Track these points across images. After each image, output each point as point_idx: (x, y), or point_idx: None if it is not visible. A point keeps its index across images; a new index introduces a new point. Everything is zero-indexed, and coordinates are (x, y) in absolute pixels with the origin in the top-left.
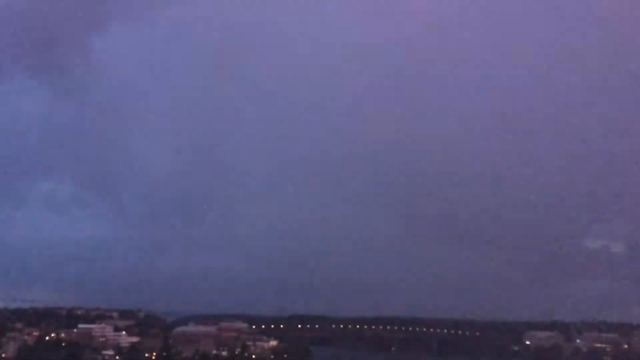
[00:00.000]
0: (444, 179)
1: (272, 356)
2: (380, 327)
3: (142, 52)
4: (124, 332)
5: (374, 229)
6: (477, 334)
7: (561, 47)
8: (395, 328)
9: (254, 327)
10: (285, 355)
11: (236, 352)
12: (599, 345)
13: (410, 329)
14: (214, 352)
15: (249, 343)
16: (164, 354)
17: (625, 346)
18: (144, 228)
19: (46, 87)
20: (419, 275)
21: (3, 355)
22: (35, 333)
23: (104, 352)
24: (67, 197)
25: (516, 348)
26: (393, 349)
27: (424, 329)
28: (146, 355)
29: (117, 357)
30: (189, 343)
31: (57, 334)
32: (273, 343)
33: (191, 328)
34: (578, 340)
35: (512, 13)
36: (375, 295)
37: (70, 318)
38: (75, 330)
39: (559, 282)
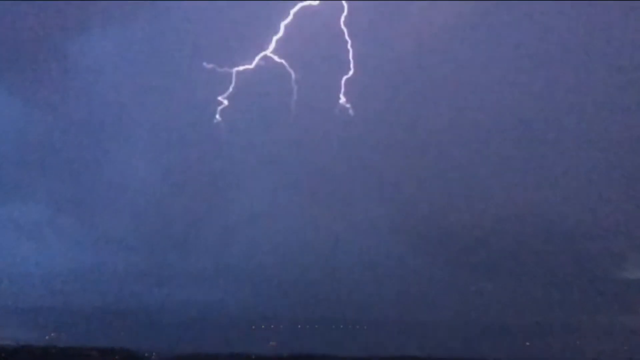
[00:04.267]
0: (458, 199)
1: None
2: None
3: (124, 60)
4: None
5: (381, 256)
6: None
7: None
8: None
9: None
10: None
11: None
12: None
13: None
14: None
15: None
16: None
17: None
18: (127, 256)
19: (19, 98)
20: (435, 310)
21: None
22: None
23: None
24: (41, 220)
25: None
26: None
27: None
28: None
29: None
30: None
31: None
32: None
33: None
34: None
35: None
36: (386, 332)
37: (44, 357)
38: None
39: (592, 318)
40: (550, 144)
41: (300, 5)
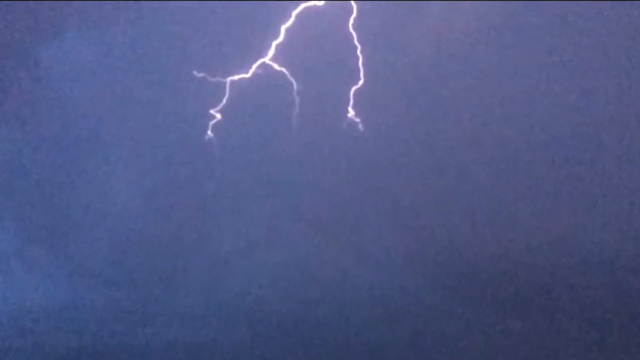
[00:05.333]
0: (482, 226)
1: None
2: None
3: (103, 67)
4: None
5: (394, 291)
6: None
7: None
8: None
9: None
10: None
11: None
12: None
13: None
14: None
15: None
16: None
17: None
18: (106, 291)
19: None
20: (456, 352)
21: None
22: None
23: None
24: (8, 250)
25: None
26: None
27: None
28: None
29: None
30: None
31: None
32: None
33: None
34: None
35: None
36: None
37: None
38: None
39: None
40: (587, 163)
41: (303, 6)
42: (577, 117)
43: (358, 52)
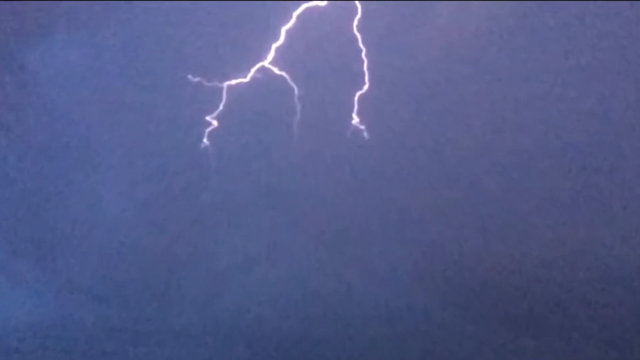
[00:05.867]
0: (494, 240)
1: None
2: None
3: (93, 71)
4: None
5: (402, 308)
6: None
7: None
8: None
9: None
10: None
11: None
12: None
13: None
14: None
15: None
16: None
17: None
18: (96, 308)
19: None
20: None
21: None
22: None
23: None
24: None
25: None
26: None
27: None
28: None
29: None
30: None
31: None
32: None
33: None
34: None
35: None
36: None
37: None
38: None
39: None
40: (605, 172)
41: (304, 6)
42: (594, 123)
43: (363, 55)
